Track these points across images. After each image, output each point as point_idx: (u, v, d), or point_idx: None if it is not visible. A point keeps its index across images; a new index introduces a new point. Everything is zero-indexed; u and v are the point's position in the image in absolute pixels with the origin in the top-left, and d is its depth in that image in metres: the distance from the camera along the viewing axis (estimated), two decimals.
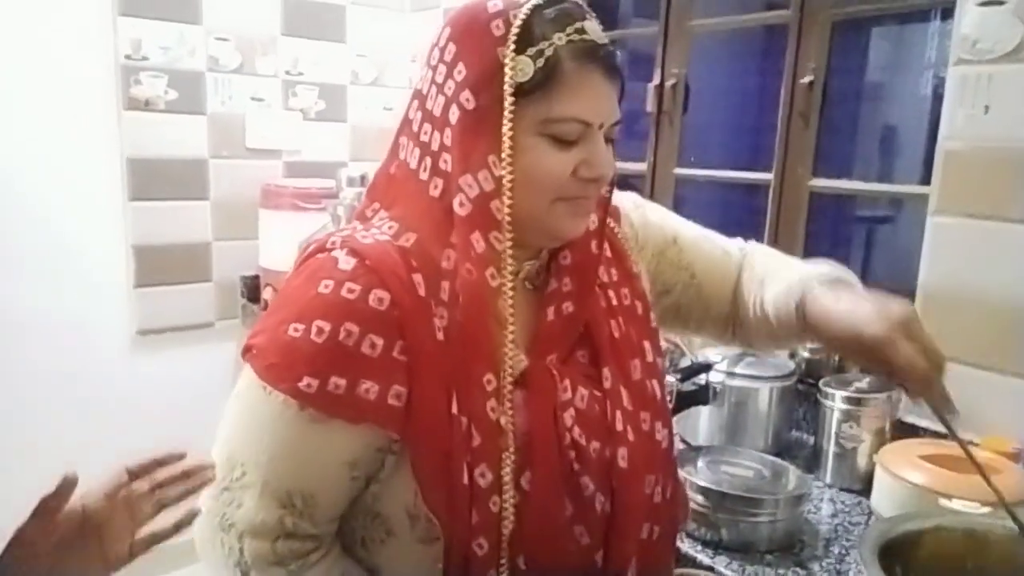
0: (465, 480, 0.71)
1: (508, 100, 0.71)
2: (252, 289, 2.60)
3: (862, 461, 1.42)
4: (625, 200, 0.98)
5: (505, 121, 0.71)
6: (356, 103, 2.82)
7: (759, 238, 1.99)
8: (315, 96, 2.72)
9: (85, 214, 2.34)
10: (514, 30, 0.72)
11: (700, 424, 1.60)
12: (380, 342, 0.70)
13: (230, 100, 2.54)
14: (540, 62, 0.72)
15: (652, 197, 2.29)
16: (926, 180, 1.49)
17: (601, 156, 0.75)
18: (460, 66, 0.74)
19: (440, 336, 0.72)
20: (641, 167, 2.34)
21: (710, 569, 1.17)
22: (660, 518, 0.84)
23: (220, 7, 2.47)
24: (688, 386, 1.53)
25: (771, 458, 1.35)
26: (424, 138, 0.78)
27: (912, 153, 1.81)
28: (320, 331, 0.70)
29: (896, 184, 1.82)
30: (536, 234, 0.78)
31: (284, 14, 2.61)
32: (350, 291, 0.71)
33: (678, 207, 2.27)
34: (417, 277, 0.73)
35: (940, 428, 1.40)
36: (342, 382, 0.69)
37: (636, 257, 0.94)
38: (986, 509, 1.10)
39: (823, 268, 0.92)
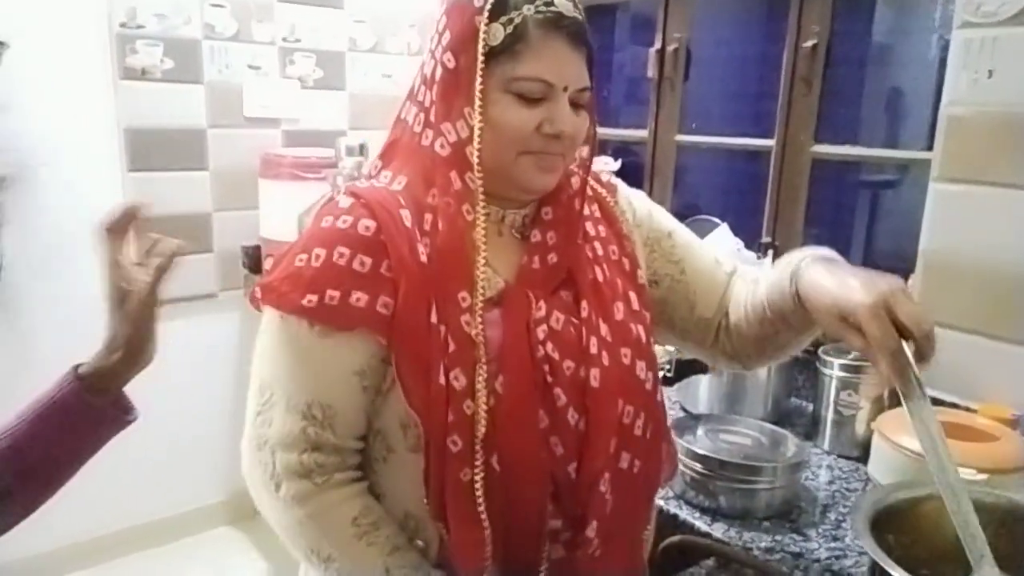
0: (441, 381, 0.79)
1: (480, 60, 0.82)
2: (254, 259, 2.59)
3: (860, 428, 1.42)
4: (630, 190, 1.06)
5: (477, 78, 0.82)
6: (355, 70, 2.79)
7: (761, 204, 1.99)
8: (313, 64, 2.69)
9: (83, 185, 2.33)
10: (490, 1, 0.82)
11: (700, 392, 1.61)
12: (369, 261, 0.81)
13: (227, 68, 2.51)
14: (510, 28, 0.82)
15: (653, 164, 2.28)
16: (931, 146, 1.47)
17: (563, 114, 0.83)
18: (446, 32, 0.85)
19: (423, 259, 0.82)
20: (642, 133, 2.32)
21: (707, 536, 1.18)
22: (639, 451, 0.89)
23: None
24: (688, 355, 1.53)
25: (770, 426, 1.35)
26: (419, 97, 0.89)
27: (917, 118, 1.79)
28: (318, 257, 0.81)
29: (901, 149, 1.80)
30: (507, 185, 0.87)
31: None
32: (344, 222, 0.83)
33: (680, 174, 2.26)
34: (404, 212, 0.84)
35: (940, 395, 1.42)
36: (336, 294, 0.80)
37: (629, 230, 1.00)
38: (983, 477, 1.11)
39: (817, 249, 0.95)
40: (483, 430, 0.79)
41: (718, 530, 1.19)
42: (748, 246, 1.93)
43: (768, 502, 1.22)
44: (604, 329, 0.88)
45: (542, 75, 0.82)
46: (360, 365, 0.82)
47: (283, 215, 2.32)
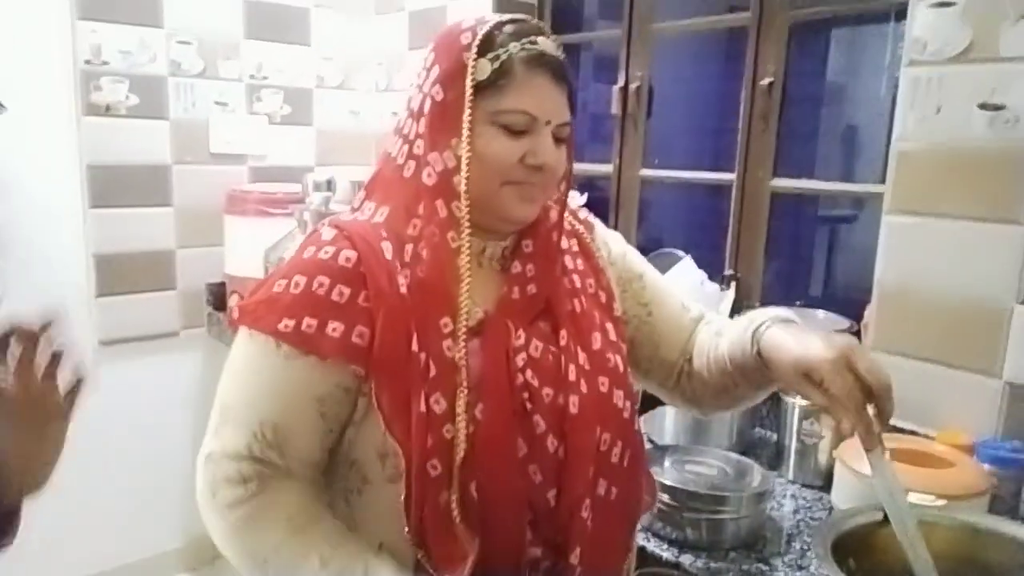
0: (422, 407, 0.80)
1: (468, 93, 0.86)
2: (218, 297, 2.57)
3: (823, 457, 1.44)
4: (607, 230, 1.11)
5: (465, 110, 0.85)
6: (322, 107, 2.80)
7: (723, 238, 2.03)
8: (280, 100, 2.70)
9: (44, 222, 2.30)
10: (478, 39, 0.87)
11: (666, 424, 1.61)
12: (347, 291, 0.83)
13: (193, 107, 2.51)
14: (496, 64, 0.86)
15: (618, 198, 2.32)
16: (885, 179, 1.52)
17: (545, 147, 0.87)
18: (435, 68, 0.89)
19: (403, 289, 0.84)
20: (607, 168, 2.35)
21: (676, 567, 1.18)
22: (617, 478, 0.90)
23: (181, 10, 2.44)
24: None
25: (735, 456, 1.36)
26: (405, 130, 0.92)
27: (871, 153, 1.85)
28: (297, 284, 0.84)
29: (856, 183, 1.85)
30: (491, 215, 0.89)
31: (247, 17, 2.59)
32: (325, 253, 0.85)
33: (644, 208, 2.29)
34: (385, 244, 0.86)
35: (898, 423, 1.44)
36: (313, 322, 0.82)
37: (604, 266, 1.04)
38: (941, 502, 1.13)
39: (777, 310, 0.98)
40: (462, 455, 0.80)
41: (686, 561, 1.19)
42: (711, 278, 1.96)
43: (734, 532, 1.22)
44: (582, 357, 0.90)
45: (526, 108, 0.86)
46: (322, 392, 0.84)
47: (249, 251, 2.30)
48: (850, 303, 1.75)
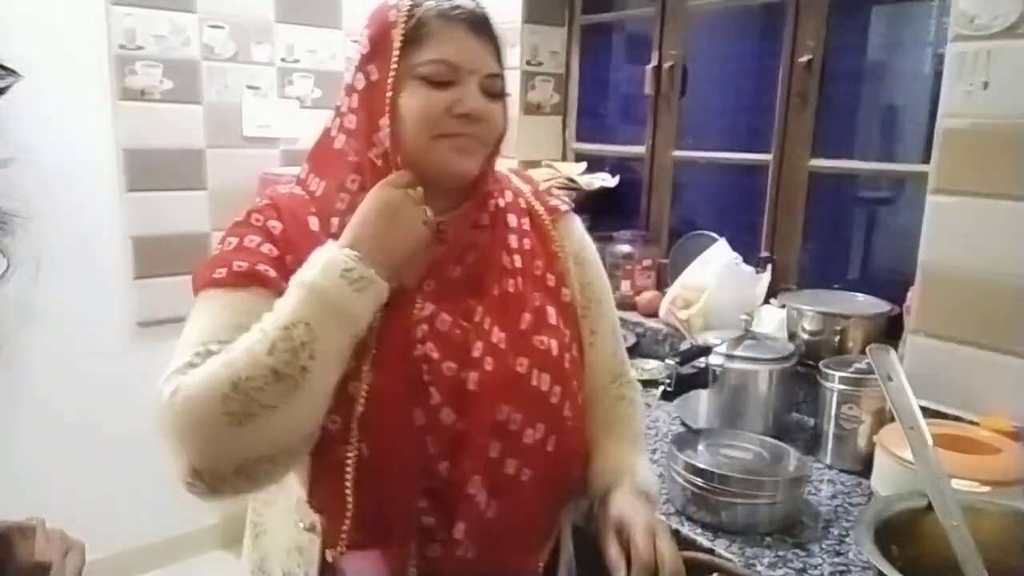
0: None
1: (392, 69, 0.87)
2: None
3: (862, 442, 1.41)
4: (582, 233, 1.09)
5: (388, 84, 0.87)
6: None
7: (758, 219, 1.99)
8: (311, 84, 2.71)
9: (82, 206, 2.33)
10: (403, 14, 0.88)
11: (700, 407, 1.59)
12: (275, 250, 0.87)
13: (226, 89, 2.52)
14: (412, 23, 0.87)
15: (651, 179, 2.29)
16: (927, 158, 1.48)
17: (471, 94, 0.87)
18: (366, 45, 0.91)
19: None
20: (639, 150, 2.32)
21: (710, 552, 1.17)
22: (530, 459, 0.90)
23: None
24: (688, 369, 1.53)
25: (771, 440, 1.34)
26: (339, 103, 0.95)
27: (914, 132, 1.79)
28: (230, 243, 0.89)
29: (897, 163, 1.80)
30: (431, 171, 0.89)
31: (278, 1, 2.59)
32: (256, 220, 0.90)
33: (677, 189, 2.26)
34: (312, 219, 0.90)
35: (941, 408, 1.41)
36: (244, 264, 0.85)
37: (564, 256, 1.04)
38: (986, 489, 1.10)
39: (646, 475, 0.99)
40: (360, 410, 0.83)
41: (720, 546, 1.17)
42: (747, 260, 1.94)
43: (770, 517, 1.21)
44: (498, 336, 0.90)
45: (444, 56, 0.86)
46: (266, 312, 0.82)
47: None
48: (889, 286, 1.71)
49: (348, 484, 0.83)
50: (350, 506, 0.84)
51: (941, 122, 1.42)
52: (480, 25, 0.88)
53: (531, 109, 2.48)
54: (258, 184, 2.53)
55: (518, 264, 0.96)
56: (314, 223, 0.90)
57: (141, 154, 2.40)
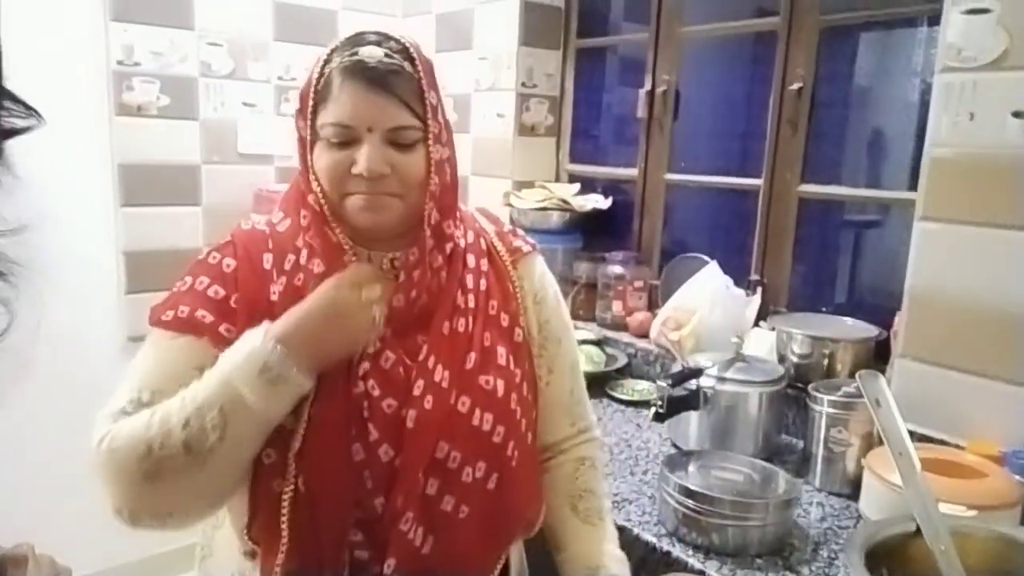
0: None
1: (308, 128, 0.90)
2: None
3: (850, 465, 1.43)
4: (545, 274, 1.10)
5: (307, 143, 0.91)
6: None
7: (748, 242, 2.02)
8: None
9: (76, 220, 2.33)
10: (317, 69, 0.90)
11: (690, 429, 1.61)
12: (222, 292, 0.91)
13: (222, 106, 2.54)
14: (320, 83, 0.89)
15: (643, 202, 2.32)
16: (913, 185, 1.51)
17: (364, 155, 0.87)
18: (296, 98, 0.94)
19: (274, 297, 0.91)
20: (632, 172, 2.35)
21: (701, 573, 1.18)
22: (472, 499, 0.91)
23: (212, 12, 2.47)
24: (679, 391, 1.54)
25: (761, 462, 1.36)
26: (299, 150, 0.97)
27: (902, 159, 1.83)
28: (185, 283, 0.93)
29: (884, 189, 1.84)
30: (349, 228, 0.93)
31: (276, 19, 2.62)
32: (213, 258, 0.95)
33: (669, 212, 2.29)
34: (267, 255, 0.94)
35: (928, 432, 1.43)
36: (186, 309, 0.90)
37: (523, 296, 1.05)
38: (972, 513, 1.12)
39: (617, 567, 1.02)
40: (297, 446, 0.85)
41: (711, 568, 1.18)
42: (737, 283, 1.96)
43: (761, 539, 1.22)
44: (441, 375, 0.91)
45: (338, 118, 0.88)
46: (201, 363, 0.87)
47: None
48: (877, 310, 1.74)
49: (284, 517, 0.86)
50: (284, 538, 0.86)
51: (928, 151, 1.45)
52: (379, 79, 0.87)
53: (525, 130, 2.51)
54: (252, 201, 2.53)
55: (471, 303, 0.97)
56: (268, 260, 0.93)
57: (136, 169, 2.40)
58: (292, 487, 0.85)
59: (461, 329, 0.95)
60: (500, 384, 0.95)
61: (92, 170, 2.35)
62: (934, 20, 1.58)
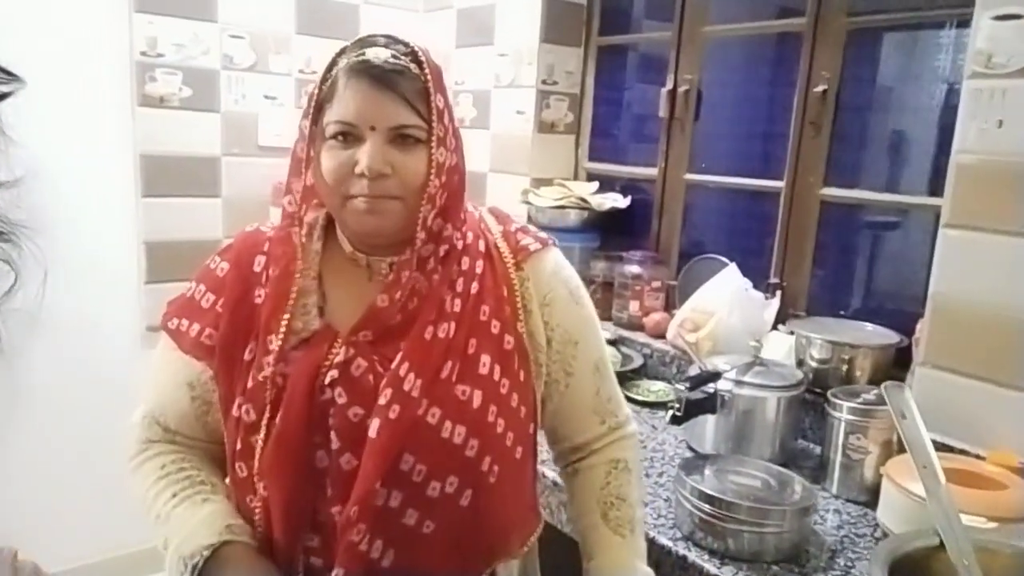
0: (235, 413, 0.90)
1: (305, 128, 0.91)
2: None
3: (869, 473, 1.42)
4: (567, 276, 1.05)
5: (305, 145, 0.91)
6: None
7: (768, 245, 2.01)
8: None
9: (97, 210, 2.36)
10: (323, 73, 0.90)
11: (707, 432, 1.60)
12: (212, 297, 0.95)
13: (243, 99, 2.55)
14: (327, 84, 0.89)
15: (662, 202, 2.31)
16: (934, 190, 1.49)
17: (366, 153, 0.86)
18: (305, 99, 0.96)
19: (258, 300, 0.93)
20: (652, 171, 2.34)
21: None
22: (439, 515, 0.88)
23: (235, 5, 2.48)
24: (696, 394, 1.54)
25: (777, 468, 1.35)
26: (296, 152, 0.96)
27: (927, 164, 1.81)
28: (189, 289, 0.99)
29: (907, 194, 1.81)
30: (347, 231, 0.94)
31: (298, 12, 2.62)
32: (213, 263, 0.99)
33: (688, 212, 2.28)
34: (260, 258, 0.96)
35: (948, 441, 1.41)
36: (185, 322, 0.96)
37: (527, 300, 1.00)
38: (992, 525, 1.11)
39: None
40: (259, 451, 0.88)
41: (727, 573, 1.18)
42: (755, 285, 1.95)
43: (777, 546, 1.21)
44: (412, 383, 0.87)
45: (342, 116, 0.87)
46: (191, 379, 0.96)
47: None
48: (897, 316, 1.72)
49: (255, 525, 0.91)
50: (256, 539, 0.91)
51: (955, 158, 1.44)
52: (383, 77, 0.86)
53: (545, 128, 2.50)
54: (271, 193, 2.54)
55: (457, 308, 0.93)
56: (259, 262, 0.96)
57: (158, 160, 2.42)
58: (262, 497, 0.89)
59: (442, 336, 0.91)
60: (477, 395, 0.90)
61: (114, 160, 2.37)
62: (963, 23, 1.56)
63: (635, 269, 2.21)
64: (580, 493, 1.06)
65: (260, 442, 0.88)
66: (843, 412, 1.44)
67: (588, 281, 2.29)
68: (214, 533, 0.88)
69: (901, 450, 1.40)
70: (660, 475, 1.51)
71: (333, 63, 0.90)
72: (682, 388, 1.50)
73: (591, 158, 2.58)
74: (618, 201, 2.36)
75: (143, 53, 2.34)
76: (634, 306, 2.20)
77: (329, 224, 0.98)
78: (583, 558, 1.04)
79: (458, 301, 0.93)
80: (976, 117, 1.40)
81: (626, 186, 2.44)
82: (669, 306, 2.19)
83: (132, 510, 0.98)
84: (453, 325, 0.91)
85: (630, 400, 1.91)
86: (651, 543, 1.26)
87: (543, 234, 1.06)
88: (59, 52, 2.22)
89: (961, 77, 1.44)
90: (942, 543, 0.83)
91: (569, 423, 1.05)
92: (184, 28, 2.40)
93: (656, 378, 2.04)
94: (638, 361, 2.06)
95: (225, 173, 2.55)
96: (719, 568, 1.19)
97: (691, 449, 1.64)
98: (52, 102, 2.23)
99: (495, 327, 0.94)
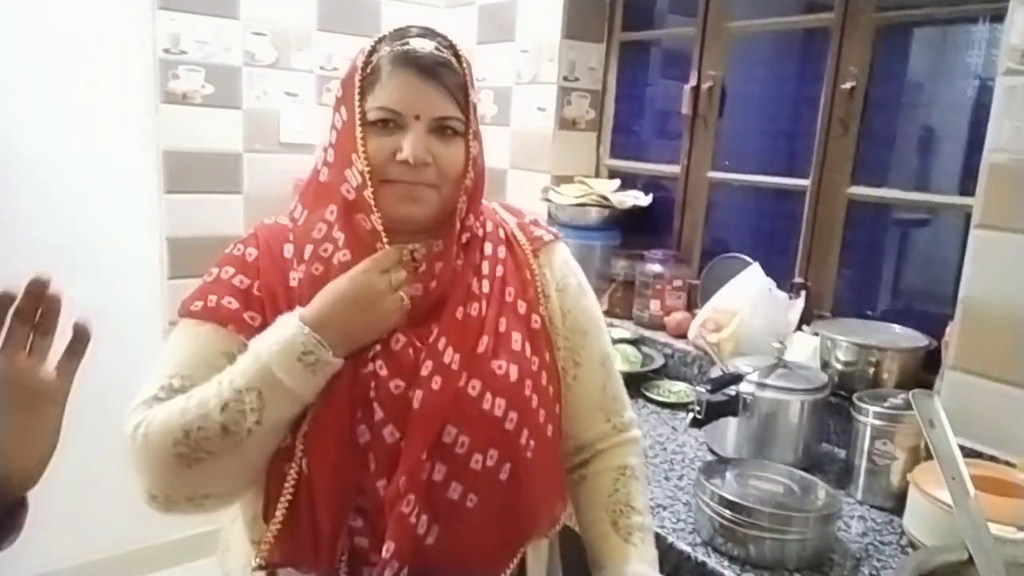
0: None
1: (357, 112, 0.91)
2: None
3: (895, 479, 1.39)
4: (572, 266, 1.09)
5: (356, 128, 0.90)
6: None
7: (792, 244, 1.97)
8: None
9: (121, 206, 2.38)
10: (364, 56, 0.92)
11: (728, 435, 1.58)
12: (246, 281, 0.94)
13: (265, 95, 2.55)
14: (368, 69, 0.91)
15: (685, 199, 2.28)
16: (965, 189, 1.45)
17: (410, 141, 0.88)
18: (339, 86, 0.96)
19: (293, 283, 0.93)
20: (674, 169, 2.31)
21: None
22: (479, 487, 0.89)
23: (257, 2, 2.49)
24: (718, 396, 1.51)
25: (800, 473, 1.32)
26: (323, 139, 0.98)
27: (958, 162, 1.76)
28: (211, 274, 0.96)
29: (937, 193, 1.77)
30: (383, 215, 0.91)
31: (319, 9, 2.63)
32: (237, 250, 0.98)
33: (711, 211, 2.25)
34: (288, 246, 0.96)
35: (977, 447, 1.38)
36: (214, 298, 0.93)
37: (544, 285, 1.04)
38: (1021, 535, 1.08)
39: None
40: (305, 428, 0.86)
41: None
42: (779, 285, 1.91)
43: (799, 553, 1.19)
44: (451, 357, 0.90)
45: (386, 103, 0.89)
46: (229, 348, 0.89)
47: None
48: (925, 318, 1.68)
49: (284, 498, 0.86)
50: (278, 519, 0.86)
51: (987, 156, 1.40)
52: (429, 69, 0.89)
53: (566, 124, 2.48)
54: (293, 189, 2.55)
55: (486, 289, 0.96)
56: (288, 250, 0.96)
57: (180, 156, 2.44)
58: (297, 469, 0.86)
59: (474, 313, 0.94)
60: (513, 369, 0.92)
61: (137, 156, 2.39)
62: (997, 18, 1.52)
63: (657, 268, 2.18)
64: (588, 501, 1.05)
65: (307, 411, 0.87)
66: (869, 417, 1.41)
67: (609, 279, 2.28)
68: (291, 325, 0.85)
69: (928, 456, 1.36)
70: (680, 478, 1.49)
71: (373, 50, 0.92)
72: (703, 390, 1.48)
73: (612, 155, 2.55)
74: (640, 199, 2.33)
75: (166, 50, 2.35)
76: (655, 305, 2.18)
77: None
78: (593, 568, 1.02)
79: (485, 282, 0.97)
80: (1010, 115, 1.36)
81: (648, 184, 2.42)
82: (691, 306, 2.16)
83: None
84: (484, 304, 0.95)
85: (650, 401, 1.90)
86: (669, 548, 1.24)
87: (552, 228, 1.12)
88: (83, 50, 2.24)
89: (994, 73, 1.40)
90: (971, 558, 0.80)
91: (575, 418, 1.05)
92: (207, 25, 2.40)
93: (677, 378, 2.02)
94: (659, 361, 2.03)
95: (247, 169, 2.56)
96: (739, 574, 1.17)
97: (712, 452, 1.62)
98: (76, 100, 2.25)
99: (522, 308, 0.99)
